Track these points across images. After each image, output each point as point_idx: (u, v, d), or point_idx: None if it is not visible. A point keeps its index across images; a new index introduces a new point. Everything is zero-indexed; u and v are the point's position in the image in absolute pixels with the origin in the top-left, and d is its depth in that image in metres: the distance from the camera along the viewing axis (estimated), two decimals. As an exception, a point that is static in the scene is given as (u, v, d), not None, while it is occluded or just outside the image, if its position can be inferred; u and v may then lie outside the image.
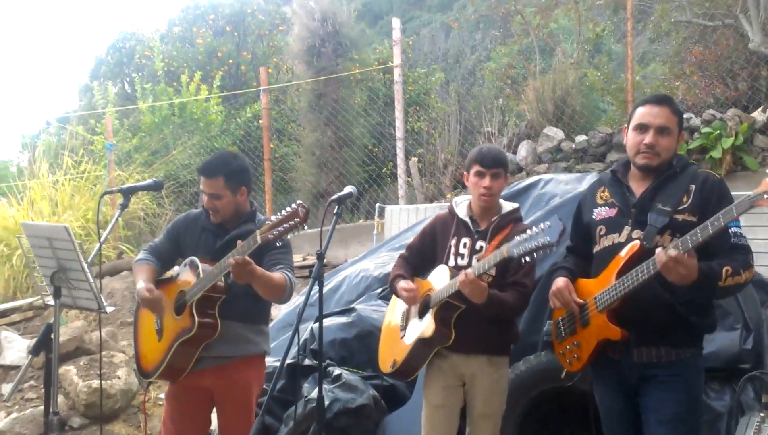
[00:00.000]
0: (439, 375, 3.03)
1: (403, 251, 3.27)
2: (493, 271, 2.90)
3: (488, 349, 2.97)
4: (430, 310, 2.93)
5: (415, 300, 3.01)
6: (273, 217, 2.70)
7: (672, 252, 2.26)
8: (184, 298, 2.97)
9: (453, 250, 3.04)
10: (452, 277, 2.87)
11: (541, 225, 2.51)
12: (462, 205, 3.13)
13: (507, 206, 3.10)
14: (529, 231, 2.54)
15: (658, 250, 2.32)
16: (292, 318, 4.55)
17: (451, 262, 3.02)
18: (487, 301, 2.78)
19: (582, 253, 2.81)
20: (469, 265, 2.92)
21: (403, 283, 3.03)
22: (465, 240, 3.03)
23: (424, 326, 2.94)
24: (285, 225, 2.65)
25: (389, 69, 8.38)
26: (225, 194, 3.03)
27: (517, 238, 2.57)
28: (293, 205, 2.67)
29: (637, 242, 2.50)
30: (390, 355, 3.14)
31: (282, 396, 3.86)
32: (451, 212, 3.14)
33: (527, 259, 2.55)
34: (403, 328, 3.09)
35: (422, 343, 2.95)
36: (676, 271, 2.29)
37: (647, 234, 2.50)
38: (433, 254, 3.12)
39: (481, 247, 2.98)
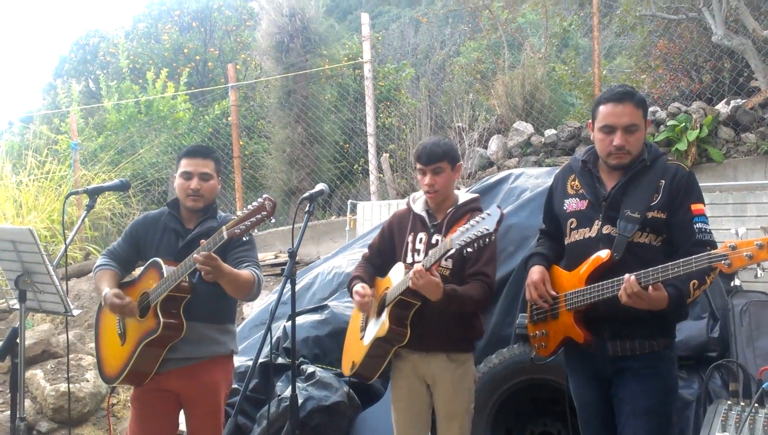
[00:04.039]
0: (402, 378, 3.00)
1: (365, 251, 3.23)
2: (449, 264, 2.88)
3: (448, 347, 2.91)
4: (386, 309, 2.88)
5: (366, 306, 2.97)
6: (239, 212, 2.66)
7: (635, 288, 2.33)
8: (148, 299, 2.92)
9: (410, 246, 2.99)
10: (407, 273, 2.79)
11: (483, 214, 2.50)
12: (419, 200, 3.08)
13: (464, 197, 3.04)
14: (471, 221, 2.51)
15: (623, 287, 2.36)
16: (265, 316, 4.52)
17: (409, 259, 2.96)
18: (444, 297, 2.71)
19: (555, 236, 2.82)
20: None
21: (358, 287, 2.99)
22: (421, 235, 2.98)
23: (379, 325, 2.89)
24: (252, 219, 2.61)
25: (359, 65, 8.36)
26: (214, 177, 3.07)
27: (460, 229, 2.53)
28: (260, 199, 2.64)
29: (608, 252, 2.50)
30: (350, 357, 3.09)
31: (255, 395, 3.83)
32: (409, 208, 3.09)
33: (469, 249, 2.52)
34: (363, 328, 3.04)
35: (378, 343, 2.88)
36: (640, 305, 2.36)
37: (618, 244, 2.50)
38: (393, 252, 3.07)
39: (437, 240, 2.90)
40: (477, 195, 3.12)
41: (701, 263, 2.22)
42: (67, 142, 9.50)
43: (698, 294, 2.43)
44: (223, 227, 2.66)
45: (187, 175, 3.03)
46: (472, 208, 2.97)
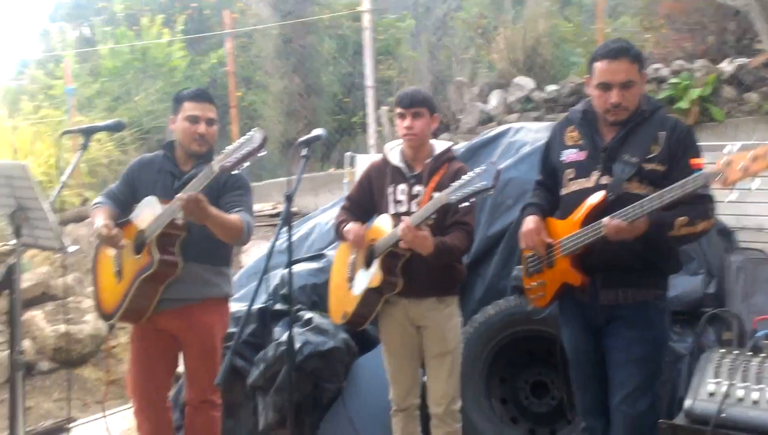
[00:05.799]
0: (392, 322, 3.07)
1: (344, 202, 3.27)
2: (433, 216, 2.93)
3: (437, 291, 2.99)
4: (376, 260, 2.93)
5: (361, 243, 2.99)
6: (229, 147, 2.62)
7: (615, 222, 2.37)
8: (143, 236, 2.92)
9: (391, 197, 3.03)
10: (394, 225, 2.86)
11: (477, 169, 2.54)
12: (394, 151, 3.11)
13: (439, 146, 3.08)
14: (465, 176, 2.57)
15: (605, 220, 2.39)
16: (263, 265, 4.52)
17: (391, 210, 3.01)
18: (435, 251, 2.79)
19: (551, 187, 2.82)
20: (409, 210, 2.94)
21: (350, 226, 3.02)
22: (402, 186, 3.02)
23: (371, 276, 2.95)
24: (243, 151, 2.55)
25: (358, 16, 8.21)
26: (216, 122, 3.08)
27: (454, 185, 2.59)
28: (250, 132, 2.59)
29: (603, 193, 2.50)
30: (340, 306, 3.15)
31: (253, 340, 3.86)
32: (384, 159, 3.12)
33: (465, 204, 2.59)
34: (350, 278, 3.09)
35: (371, 293, 2.96)
36: (626, 236, 2.39)
37: (613, 185, 2.51)
38: (371, 203, 3.12)
39: (419, 191, 2.97)
40: (451, 143, 3.20)
41: (697, 182, 2.25)
42: (63, 87, 9.37)
43: (684, 233, 2.41)
44: (213, 161, 2.63)
45: (194, 119, 3.01)
46: (448, 158, 3.05)
